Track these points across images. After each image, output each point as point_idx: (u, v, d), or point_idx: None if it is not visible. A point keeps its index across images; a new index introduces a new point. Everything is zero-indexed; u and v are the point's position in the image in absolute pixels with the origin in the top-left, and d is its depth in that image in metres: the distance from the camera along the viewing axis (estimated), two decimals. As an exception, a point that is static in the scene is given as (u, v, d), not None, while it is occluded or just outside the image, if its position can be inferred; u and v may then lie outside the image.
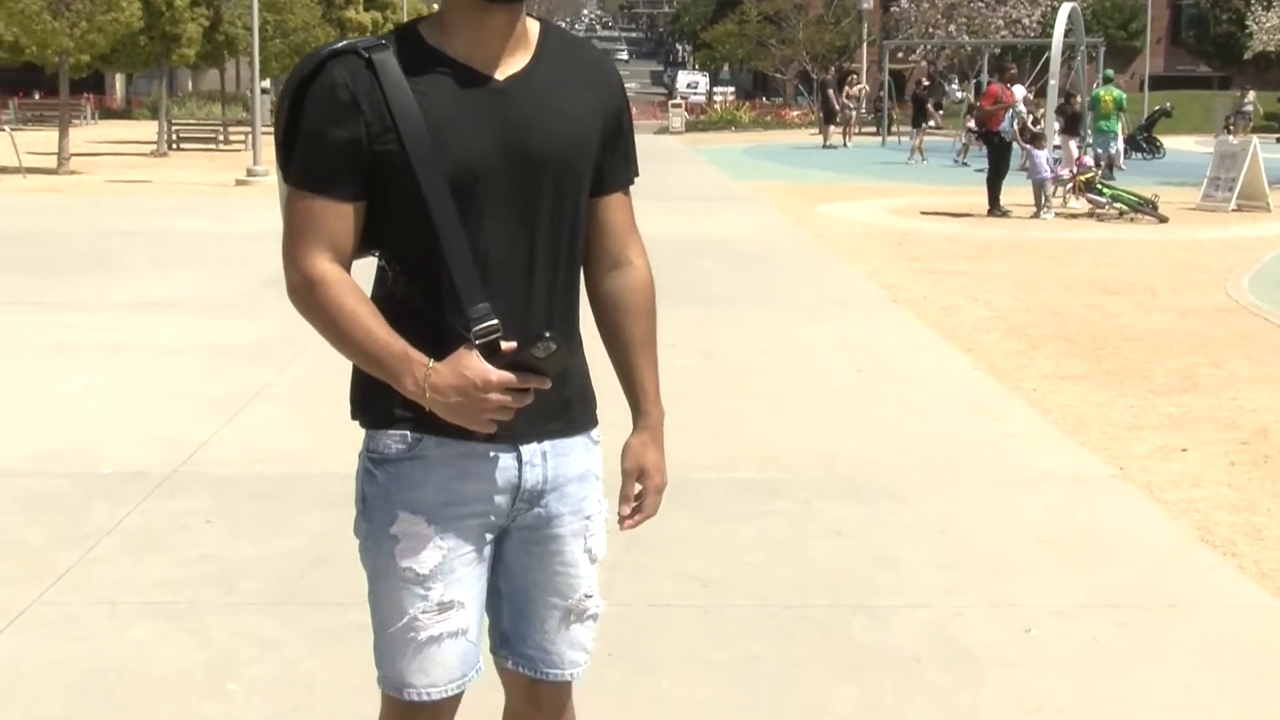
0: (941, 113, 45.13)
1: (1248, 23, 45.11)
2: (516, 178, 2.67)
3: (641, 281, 2.90)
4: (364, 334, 2.62)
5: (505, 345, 2.60)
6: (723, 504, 6.62)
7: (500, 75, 2.69)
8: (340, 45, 2.69)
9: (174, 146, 38.95)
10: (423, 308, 2.66)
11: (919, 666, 4.84)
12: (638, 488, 2.91)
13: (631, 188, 2.91)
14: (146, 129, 44.55)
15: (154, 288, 13.34)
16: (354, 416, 2.81)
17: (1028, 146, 22.00)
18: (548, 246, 2.72)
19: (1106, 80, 30.01)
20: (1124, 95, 29.44)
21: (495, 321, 2.60)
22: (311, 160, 2.66)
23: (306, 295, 2.66)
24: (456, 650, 2.79)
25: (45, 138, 35.09)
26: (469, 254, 2.62)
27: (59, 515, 6.35)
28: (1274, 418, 8.53)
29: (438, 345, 2.61)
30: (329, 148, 2.63)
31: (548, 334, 2.57)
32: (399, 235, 2.69)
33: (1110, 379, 9.70)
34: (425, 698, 2.80)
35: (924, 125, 37.54)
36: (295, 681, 4.63)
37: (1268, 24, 41.31)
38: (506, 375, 2.57)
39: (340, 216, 2.66)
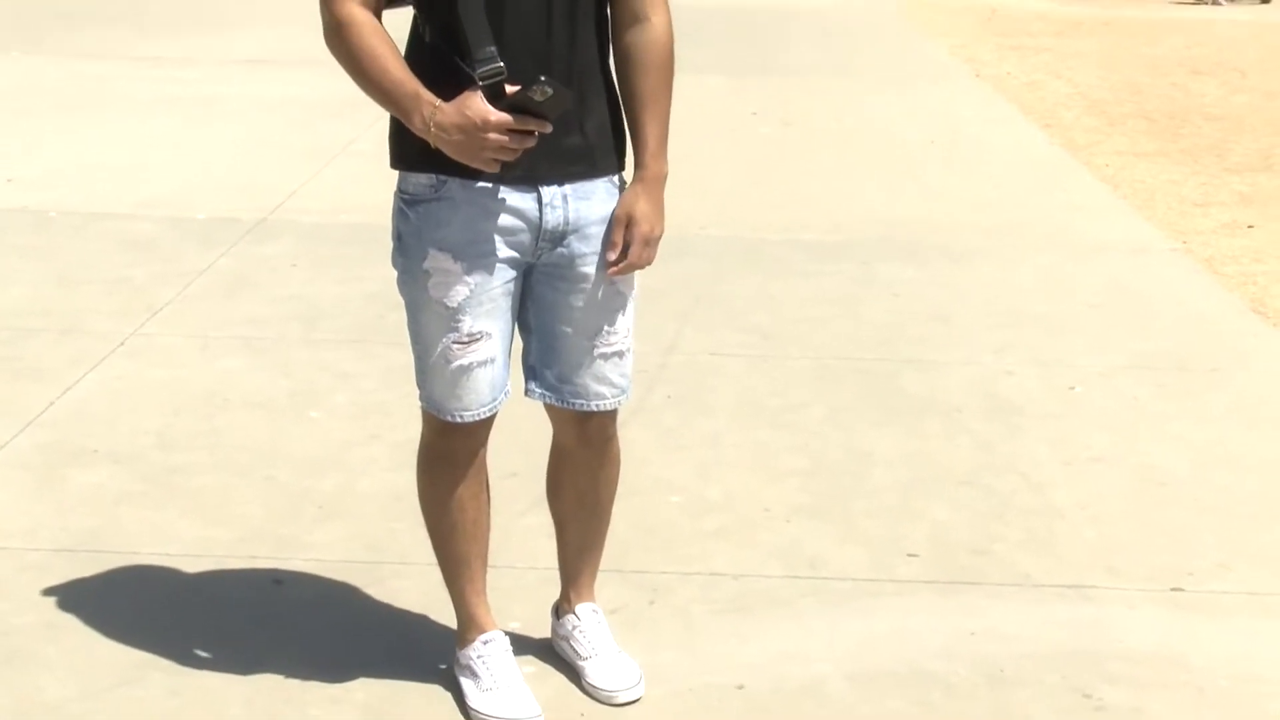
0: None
1: None
2: None
3: (656, 38, 2.97)
4: (381, 72, 2.80)
5: (509, 88, 2.75)
6: (788, 263, 6.86)
7: None
8: None
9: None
10: (445, 54, 2.83)
11: (961, 416, 5.09)
12: (625, 236, 3.01)
13: None
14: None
15: (246, 44, 13.54)
16: (390, 158, 3.00)
17: None
18: (562, 5, 2.85)
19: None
20: None
21: (499, 65, 2.75)
22: None
23: (335, 36, 2.84)
24: (486, 377, 3.02)
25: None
26: (480, 3, 2.77)
27: (157, 256, 6.68)
28: (1345, 198, 8.61)
29: (459, 89, 2.77)
30: None
31: (543, 78, 2.71)
32: None
33: (1185, 156, 9.76)
34: (459, 419, 3.06)
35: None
36: (371, 410, 4.98)
37: None
38: (504, 116, 2.73)
39: None
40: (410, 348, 3.08)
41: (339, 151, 8.73)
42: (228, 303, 6.08)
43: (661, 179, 3.03)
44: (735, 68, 12.67)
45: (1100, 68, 13.78)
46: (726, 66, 12.56)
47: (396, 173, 3.01)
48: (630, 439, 3.55)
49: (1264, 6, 19.63)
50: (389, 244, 3.07)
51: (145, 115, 10.02)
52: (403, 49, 2.90)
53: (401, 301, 3.08)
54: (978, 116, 11.02)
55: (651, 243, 3.03)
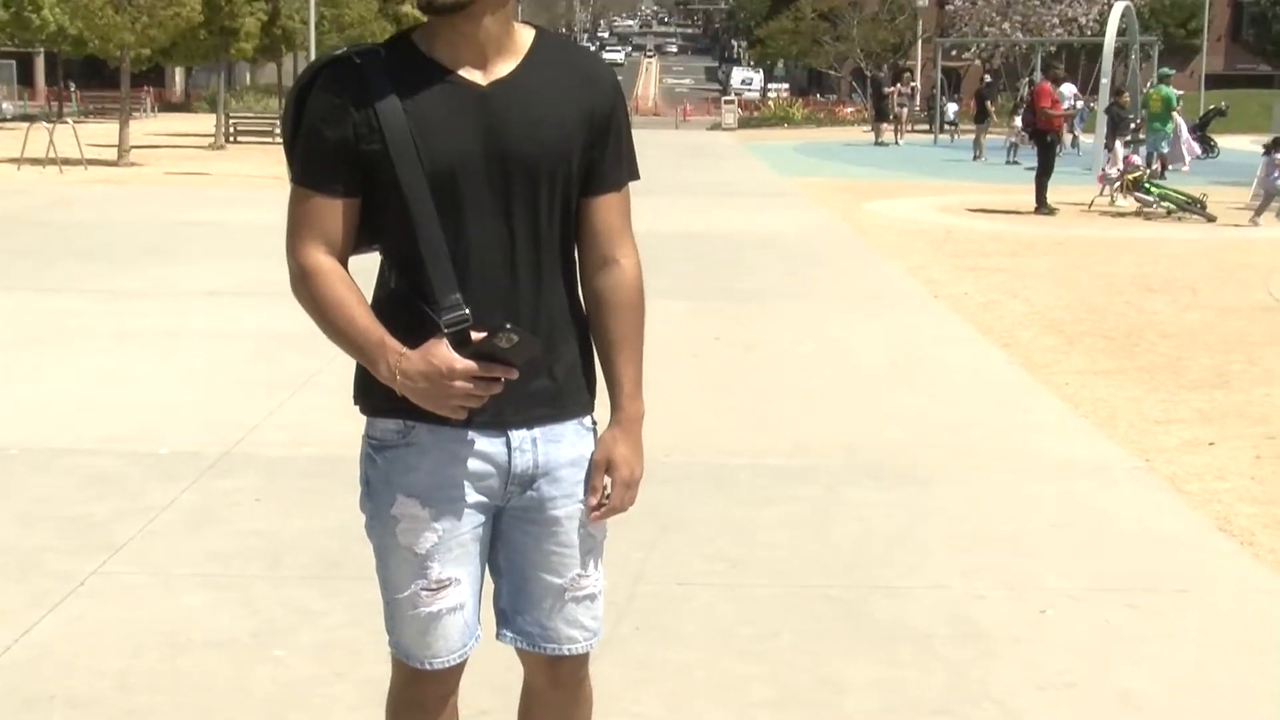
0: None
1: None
2: (496, 177, 2.82)
3: (627, 281, 3.00)
4: (346, 321, 2.82)
5: (475, 335, 2.75)
6: (752, 489, 6.85)
7: (485, 80, 2.85)
8: (338, 53, 2.89)
9: (231, 140, 39.34)
10: (412, 299, 2.84)
11: (933, 642, 5.04)
12: (606, 480, 3.00)
13: (630, 185, 3.02)
14: (204, 122, 45.05)
15: (210, 277, 13.65)
16: (355, 403, 2.99)
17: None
18: (528, 242, 2.87)
19: (1162, 79, 29.73)
20: (1174, 95, 29.22)
21: (465, 312, 2.77)
22: (308, 159, 2.86)
23: (300, 285, 2.87)
24: (455, 624, 2.98)
25: (106, 130, 35.56)
26: (444, 248, 2.79)
27: (119, 492, 6.63)
28: (1302, 413, 8.68)
29: (424, 335, 2.78)
30: (322, 147, 2.83)
31: (509, 325, 2.71)
32: (390, 230, 2.87)
33: (1143, 374, 9.86)
34: (429, 666, 3.00)
35: (986, 123, 37.59)
36: (337, 648, 4.90)
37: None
38: (470, 364, 2.74)
39: (333, 211, 2.85)
40: (379, 590, 3.04)
41: (302, 383, 8.75)
42: (190, 539, 6.02)
43: (639, 420, 3.02)
44: (697, 293, 12.82)
45: (1056, 286, 14.00)
46: (688, 291, 12.70)
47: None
48: (600, 673, 3.49)
49: (1211, 224, 20.02)
50: (353, 476, 3.05)
51: (108, 349, 10.05)
52: (369, 294, 2.92)
53: (366, 536, 3.04)
54: (937, 337, 11.15)
55: (632, 485, 3.01)
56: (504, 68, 2.87)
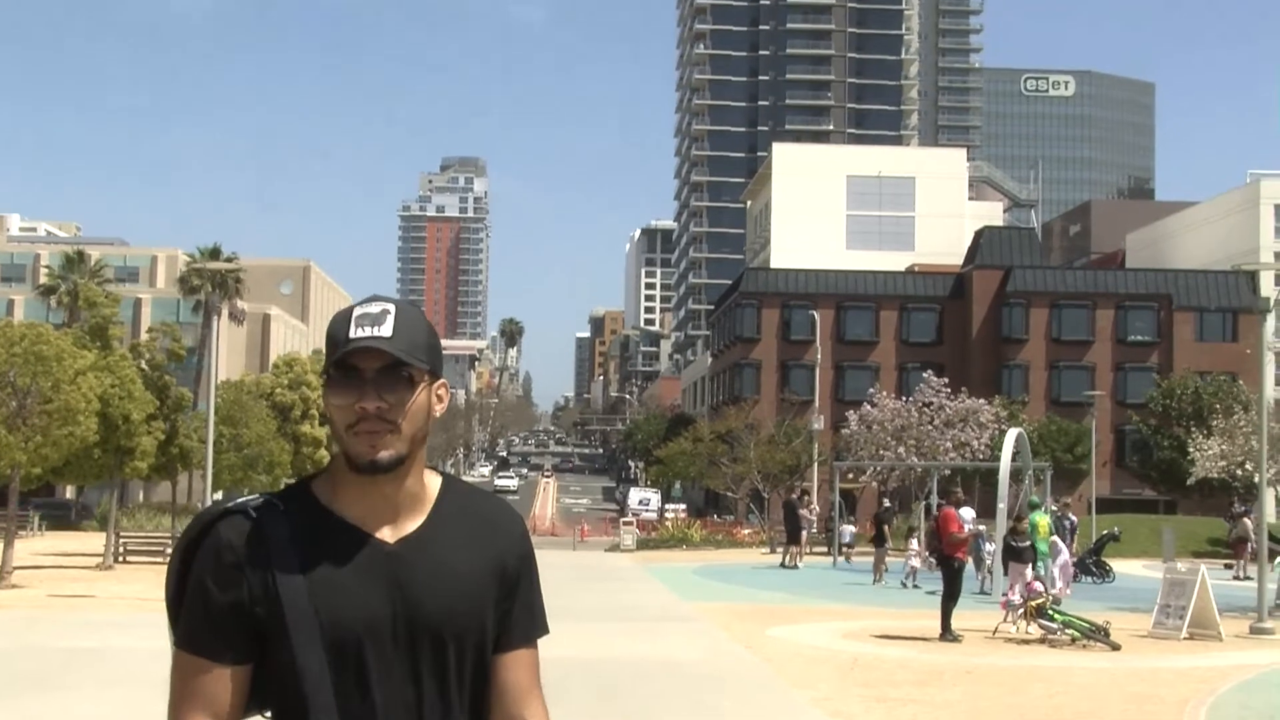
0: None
1: (1189, 450, 45.82)
2: (403, 640, 2.59)
3: None
4: None
5: None
6: None
7: (392, 537, 2.64)
8: (231, 505, 2.65)
9: (121, 559, 38.57)
10: None
11: None
12: None
13: (540, 641, 2.81)
14: (94, 540, 44.32)
15: (88, 710, 12.99)
16: None
17: None
18: (437, 709, 2.62)
19: (1033, 506, 29.72)
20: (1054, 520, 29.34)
21: None
22: (193, 623, 2.60)
23: None
24: None
25: (-9, 549, 34.80)
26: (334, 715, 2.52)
27: None
28: None
29: None
30: (212, 610, 2.57)
31: None
32: (280, 699, 2.59)
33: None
34: None
35: (885, 546, 37.67)
36: None
37: (1209, 451, 41.96)
38: None
39: (220, 681, 2.58)
40: None
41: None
42: None
43: None
44: (598, 727, 12.33)
45: (969, 719, 13.62)
46: (590, 726, 12.21)
47: None
48: None
49: (1116, 652, 19.85)
50: None
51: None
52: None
53: None
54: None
55: None
56: (411, 523, 2.68)
